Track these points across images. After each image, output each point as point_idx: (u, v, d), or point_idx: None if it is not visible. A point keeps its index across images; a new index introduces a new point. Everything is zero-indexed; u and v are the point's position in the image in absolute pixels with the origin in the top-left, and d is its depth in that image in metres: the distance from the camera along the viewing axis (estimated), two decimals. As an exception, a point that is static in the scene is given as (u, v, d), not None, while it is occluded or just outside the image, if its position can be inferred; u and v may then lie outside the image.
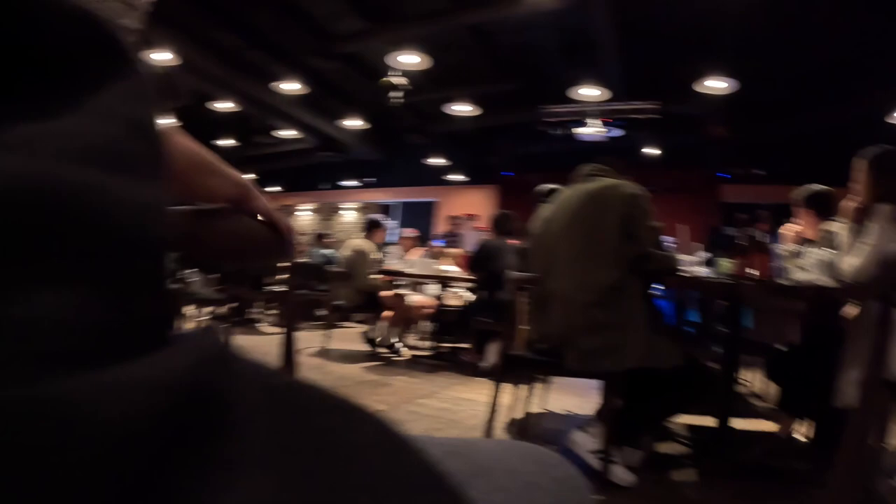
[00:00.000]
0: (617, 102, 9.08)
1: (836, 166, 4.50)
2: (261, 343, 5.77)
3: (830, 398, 2.46)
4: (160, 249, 0.26)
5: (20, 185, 0.21)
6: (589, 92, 8.51)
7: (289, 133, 11.84)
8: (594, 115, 9.29)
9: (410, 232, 7.19)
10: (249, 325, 7.13)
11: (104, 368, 0.20)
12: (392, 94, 8.05)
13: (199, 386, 0.23)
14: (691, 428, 3.40)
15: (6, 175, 0.21)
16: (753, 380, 5.27)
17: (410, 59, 7.63)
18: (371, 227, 5.74)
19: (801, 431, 3.15)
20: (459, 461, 0.42)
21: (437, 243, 8.24)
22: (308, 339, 5.82)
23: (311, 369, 4.42)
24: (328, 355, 5.22)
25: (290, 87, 9.15)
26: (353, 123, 10.94)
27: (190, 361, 0.24)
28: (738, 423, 3.06)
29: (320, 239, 8.88)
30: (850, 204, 2.69)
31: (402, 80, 8.07)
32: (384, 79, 8.02)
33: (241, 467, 0.23)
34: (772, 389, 4.38)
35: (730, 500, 2.40)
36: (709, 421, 2.80)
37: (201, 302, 5.34)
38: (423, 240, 7.49)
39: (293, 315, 1.72)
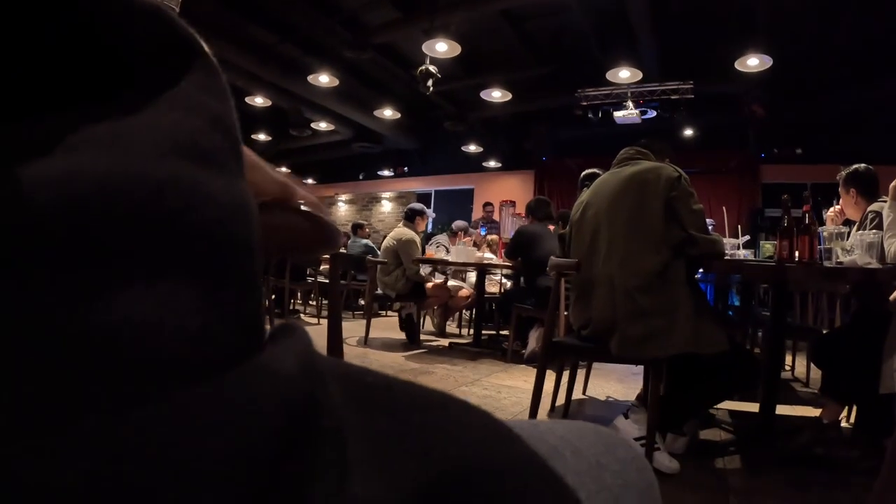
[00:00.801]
0: (652, 84, 8.96)
1: (881, 145, 4.41)
2: None
3: (875, 384, 2.43)
4: (253, 246, 0.26)
5: (116, 183, 0.21)
6: (624, 74, 8.39)
7: (324, 125, 11.90)
8: (629, 98, 9.18)
9: (460, 224, 7.19)
10: (292, 317, 7.23)
11: (221, 375, 0.21)
12: (429, 82, 8.03)
13: (307, 389, 0.24)
14: (735, 414, 3.37)
15: (101, 174, 0.21)
16: (797, 365, 5.21)
17: (444, 47, 7.60)
18: (413, 216, 5.75)
19: (845, 418, 3.10)
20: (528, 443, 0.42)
21: (481, 231, 8.22)
22: (349, 329, 5.89)
23: (353, 359, 4.47)
24: (370, 344, 5.26)
25: (325, 79, 9.19)
26: (388, 113, 10.96)
27: (296, 365, 0.24)
28: (782, 409, 3.03)
29: (359, 229, 8.95)
30: (894, 184, 2.64)
31: (436, 69, 8.05)
32: (422, 67, 8.00)
33: (350, 470, 0.23)
34: (816, 375, 4.34)
35: (774, 488, 2.37)
36: (752, 407, 2.77)
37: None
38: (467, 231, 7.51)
39: (337, 305, 1.75)
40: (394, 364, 4.40)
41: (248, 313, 0.25)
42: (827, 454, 2.74)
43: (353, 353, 4.73)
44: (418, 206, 6.02)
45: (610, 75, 8.48)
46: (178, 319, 0.21)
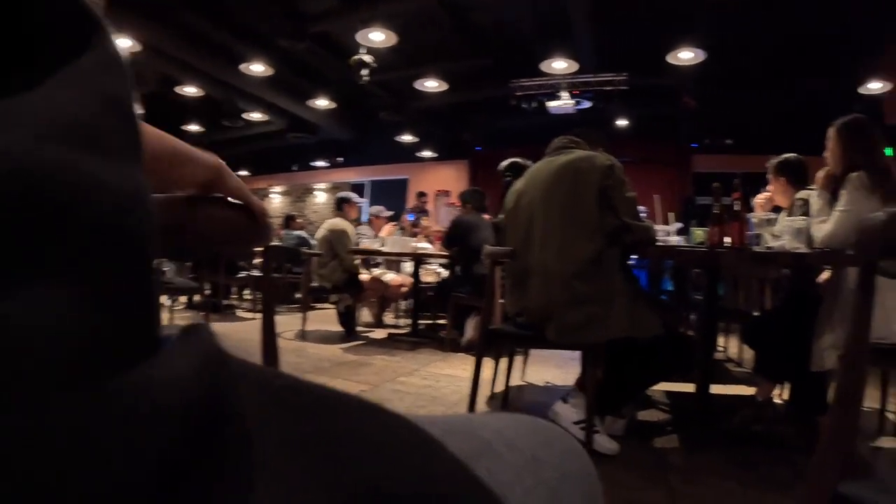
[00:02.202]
0: (587, 75, 9.09)
1: (808, 136, 4.58)
2: (239, 329, 5.73)
3: (806, 362, 2.52)
4: (146, 240, 0.24)
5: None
6: (560, 65, 8.49)
7: (257, 115, 11.68)
8: (565, 88, 9.30)
9: (380, 210, 7.13)
10: (226, 312, 7.09)
11: (106, 382, 0.19)
12: (362, 72, 7.95)
13: (205, 395, 0.22)
14: (671, 395, 3.46)
15: None
16: (729, 346, 5.39)
17: (381, 37, 7.53)
18: (342, 205, 5.69)
19: (779, 395, 3.21)
20: (461, 440, 0.39)
21: (409, 217, 8.20)
22: (286, 323, 5.82)
23: (290, 352, 4.41)
24: (306, 337, 5.20)
25: (258, 68, 9.02)
26: (323, 103, 10.83)
27: (195, 368, 0.22)
28: (717, 389, 3.12)
29: (292, 221, 8.81)
30: (822, 172, 2.74)
31: (372, 58, 7.98)
32: (355, 57, 7.91)
33: (255, 478, 0.22)
34: (748, 355, 4.49)
35: (712, 465, 2.43)
36: (688, 388, 2.84)
37: (176, 291, 5.27)
38: (394, 217, 7.46)
39: (271, 299, 1.69)
40: (332, 357, 4.34)
41: (139, 314, 0.23)
42: (763, 431, 2.85)
43: (290, 347, 4.66)
44: (345, 193, 5.97)
45: (545, 66, 8.58)
46: (58, 323, 0.19)
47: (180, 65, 9.00)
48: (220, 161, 0.76)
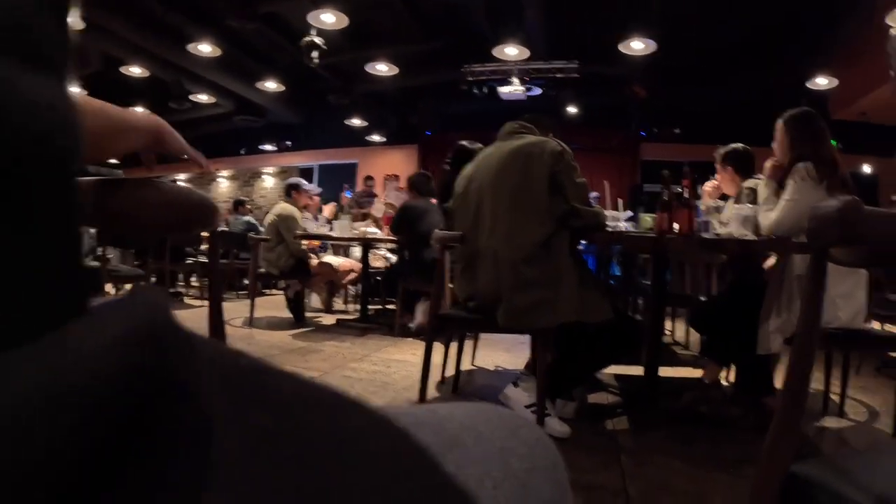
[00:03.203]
0: (539, 62, 9.13)
1: (756, 127, 4.71)
2: (186, 316, 5.43)
3: (752, 345, 2.60)
4: (73, 172, 0.20)
5: None
6: (512, 51, 8.50)
7: (205, 97, 11.41)
8: (516, 75, 9.32)
9: (312, 188, 6.97)
10: (173, 299, 6.92)
11: (16, 347, 0.16)
12: (313, 54, 7.82)
13: (149, 366, 0.18)
14: (621, 378, 3.52)
15: None
16: (676, 330, 5.51)
17: (331, 19, 7.41)
18: (289, 191, 5.60)
19: (725, 377, 3.29)
20: (428, 433, 0.38)
21: (347, 194, 8.10)
22: (234, 310, 5.73)
23: (239, 340, 4.33)
24: (255, 324, 5.12)
25: (206, 49, 8.78)
26: (272, 86, 10.64)
27: (133, 333, 0.18)
28: (665, 371, 3.18)
29: (241, 206, 8.64)
30: (770, 162, 2.82)
31: (323, 41, 7.85)
32: (305, 39, 7.77)
33: (211, 476, 0.18)
34: (695, 338, 4.60)
35: (662, 445, 2.49)
36: (637, 370, 2.89)
37: (121, 279, 5.12)
38: (328, 200, 7.39)
39: (218, 286, 1.64)
40: (281, 343, 4.29)
41: (64, 261, 0.19)
42: (710, 412, 2.93)
43: (239, 335, 4.59)
44: (295, 180, 5.86)
45: (497, 52, 8.56)
46: None
47: (126, 45, 8.70)
48: (160, 123, 0.72)
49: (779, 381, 2.71)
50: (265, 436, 0.21)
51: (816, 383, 3.04)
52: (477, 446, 0.40)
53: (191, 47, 8.75)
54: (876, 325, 3.81)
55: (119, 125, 0.70)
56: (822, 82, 9.13)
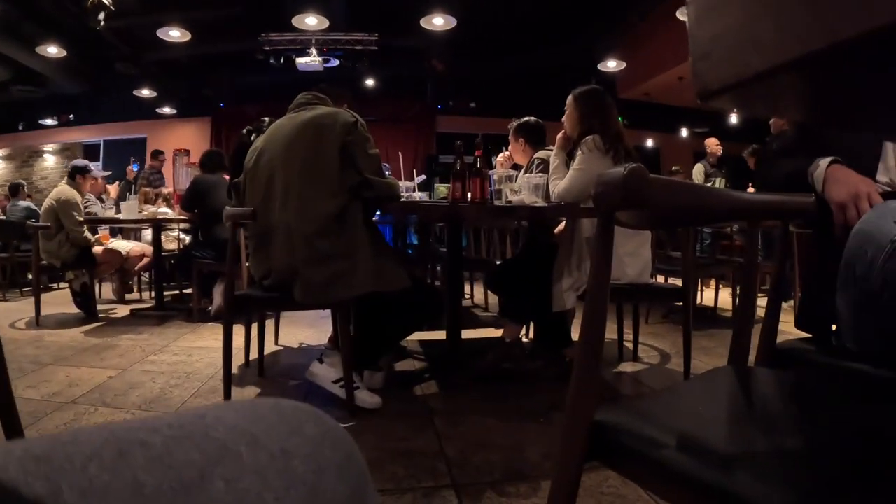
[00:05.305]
0: (338, 33, 9.05)
1: (548, 103, 5.01)
2: None
3: (547, 303, 2.78)
4: None
5: None
6: (311, 21, 8.32)
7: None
8: (314, 45, 9.14)
9: (98, 173, 6.41)
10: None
11: None
12: (99, 16, 7.05)
13: None
14: (425, 343, 3.63)
15: None
16: (475, 293, 5.76)
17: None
18: (74, 174, 5.06)
19: (524, 334, 3.51)
20: (190, 448, 0.32)
21: (134, 167, 7.49)
22: (18, 310, 5.21)
23: (26, 344, 3.81)
24: (42, 324, 4.56)
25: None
26: (53, 51, 9.49)
27: None
28: (468, 334, 3.31)
29: (20, 190, 7.64)
30: (560, 134, 3.03)
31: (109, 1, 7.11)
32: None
33: None
34: (493, 300, 4.83)
35: (473, 404, 2.60)
36: (440, 335, 2.96)
37: None
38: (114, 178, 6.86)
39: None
40: (73, 343, 3.86)
41: None
42: (513, 368, 3.12)
43: (26, 338, 4.04)
44: (81, 162, 5.31)
45: (297, 21, 8.36)
46: None
47: None
48: None
49: (575, 334, 2.93)
50: None
51: (611, 333, 3.32)
52: (251, 454, 0.34)
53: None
54: (661, 280, 4.26)
55: None
56: (611, 65, 10.11)
